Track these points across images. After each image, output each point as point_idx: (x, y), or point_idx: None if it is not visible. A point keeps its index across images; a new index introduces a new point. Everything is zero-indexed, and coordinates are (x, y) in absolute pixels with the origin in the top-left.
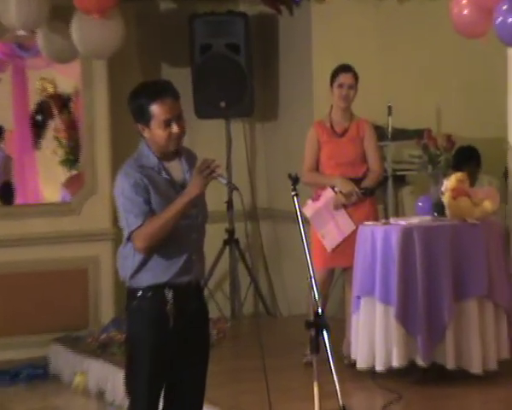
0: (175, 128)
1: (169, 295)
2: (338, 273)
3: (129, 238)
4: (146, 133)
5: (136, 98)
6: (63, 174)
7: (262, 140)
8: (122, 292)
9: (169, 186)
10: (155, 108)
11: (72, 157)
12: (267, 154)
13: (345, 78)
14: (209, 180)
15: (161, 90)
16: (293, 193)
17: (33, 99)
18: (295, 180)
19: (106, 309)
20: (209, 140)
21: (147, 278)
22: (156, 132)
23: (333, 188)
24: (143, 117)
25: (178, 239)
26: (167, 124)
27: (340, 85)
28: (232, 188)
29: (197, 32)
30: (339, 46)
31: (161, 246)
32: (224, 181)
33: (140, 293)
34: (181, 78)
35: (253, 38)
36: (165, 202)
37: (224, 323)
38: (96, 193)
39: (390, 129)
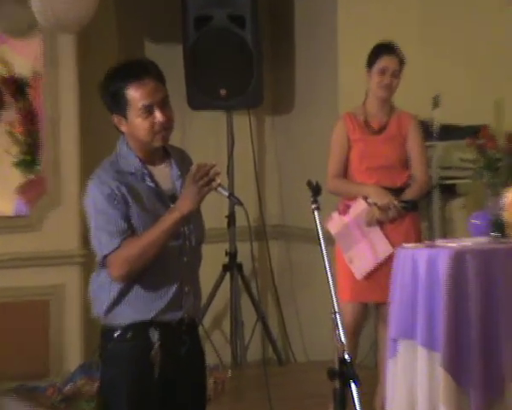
0: (159, 116)
1: (154, 336)
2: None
3: (103, 264)
4: (124, 127)
5: (108, 83)
6: (18, 179)
7: (273, 137)
8: (93, 331)
9: (154, 197)
10: (132, 92)
11: (29, 157)
12: (279, 155)
13: (389, 61)
14: (206, 192)
15: (139, 70)
16: (313, 206)
17: None
18: (316, 189)
19: (72, 352)
20: (206, 137)
21: (126, 315)
22: (135, 123)
23: (365, 199)
24: (119, 105)
25: (166, 265)
26: (148, 111)
27: (382, 71)
28: (235, 202)
29: (191, 1)
30: (372, 20)
31: (145, 273)
32: (226, 193)
33: (118, 333)
34: (170, 58)
35: (262, 9)
36: (149, 216)
37: (223, 372)
38: (60, 204)
39: (436, 125)
